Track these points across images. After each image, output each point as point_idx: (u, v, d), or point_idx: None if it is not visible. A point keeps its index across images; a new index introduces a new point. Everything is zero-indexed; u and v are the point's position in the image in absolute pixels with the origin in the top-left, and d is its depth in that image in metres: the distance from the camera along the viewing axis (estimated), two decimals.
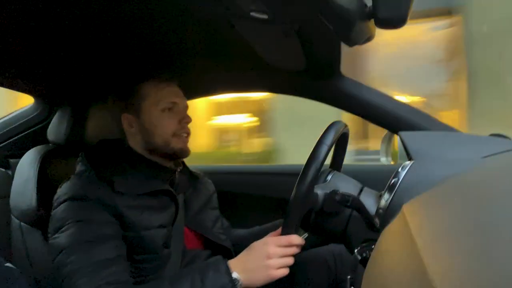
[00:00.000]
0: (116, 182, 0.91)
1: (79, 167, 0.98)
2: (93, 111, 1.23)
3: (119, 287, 0.80)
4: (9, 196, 1.15)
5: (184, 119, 1.02)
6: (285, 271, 0.82)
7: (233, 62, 1.21)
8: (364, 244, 0.78)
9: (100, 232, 0.85)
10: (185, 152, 1.03)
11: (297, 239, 0.82)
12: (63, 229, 0.86)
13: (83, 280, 0.79)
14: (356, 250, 0.78)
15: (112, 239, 0.86)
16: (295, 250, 0.82)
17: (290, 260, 0.82)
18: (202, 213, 1.10)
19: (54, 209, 0.91)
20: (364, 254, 0.77)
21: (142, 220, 0.91)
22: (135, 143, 1.03)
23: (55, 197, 0.92)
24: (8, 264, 0.75)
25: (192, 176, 1.14)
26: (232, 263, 0.82)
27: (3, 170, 1.30)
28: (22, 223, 1.10)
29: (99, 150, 1.03)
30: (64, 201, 0.89)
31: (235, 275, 0.80)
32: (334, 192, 0.81)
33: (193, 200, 1.09)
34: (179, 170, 1.08)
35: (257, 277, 0.80)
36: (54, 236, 0.87)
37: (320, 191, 0.83)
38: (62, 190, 0.92)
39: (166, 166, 1.04)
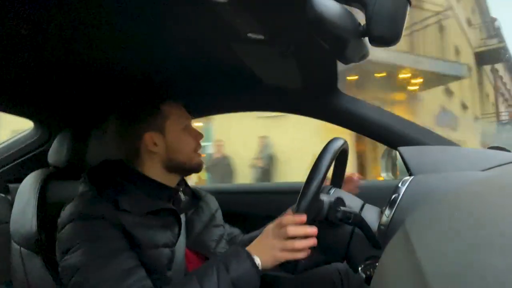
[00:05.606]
0: (120, 201, 0.90)
1: (82, 188, 0.97)
2: (94, 134, 1.23)
3: None
4: (8, 222, 1.15)
5: (199, 136, 1.07)
6: (307, 253, 0.81)
7: (231, 82, 1.22)
8: (367, 262, 0.77)
9: (111, 246, 0.84)
10: (202, 166, 1.08)
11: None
12: (72, 249, 0.83)
13: None
14: (360, 268, 0.77)
15: (125, 251, 0.85)
16: (314, 231, 0.80)
17: (313, 241, 0.80)
18: (205, 233, 1.09)
19: (59, 232, 0.88)
20: (368, 272, 0.76)
21: (148, 238, 0.90)
22: (155, 161, 1.02)
23: (59, 219, 0.91)
24: None
25: (194, 196, 1.14)
26: (251, 248, 0.83)
27: (3, 195, 1.29)
28: (22, 249, 1.09)
29: (102, 170, 1.03)
30: (70, 221, 0.87)
31: (256, 260, 0.81)
32: (340, 199, 0.81)
33: (194, 220, 1.08)
34: (181, 189, 1.07)
35: (277, 258, 0.81)
36: (64, 258, 0.84)
37: (326, 198, 0.83)
38: (67, 212, 0.90)
39: (169, 186, 1.03)
